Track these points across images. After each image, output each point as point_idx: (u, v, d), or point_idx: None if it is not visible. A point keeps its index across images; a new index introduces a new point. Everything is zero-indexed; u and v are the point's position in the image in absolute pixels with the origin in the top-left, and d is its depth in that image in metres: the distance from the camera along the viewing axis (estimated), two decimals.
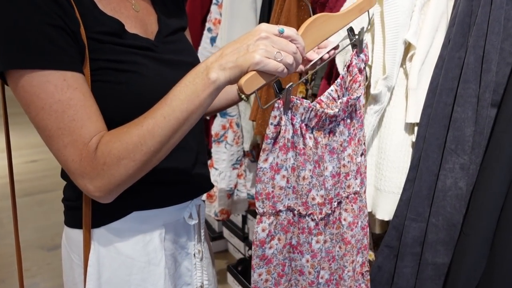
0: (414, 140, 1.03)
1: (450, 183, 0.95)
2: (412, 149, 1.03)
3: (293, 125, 0.72)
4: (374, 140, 1.09)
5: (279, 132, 0.70)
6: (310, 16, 0.75)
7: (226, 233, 2.68)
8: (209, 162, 1.89)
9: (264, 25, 0.64)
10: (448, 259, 0.97)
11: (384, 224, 1.19)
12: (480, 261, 0.90)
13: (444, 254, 0.97)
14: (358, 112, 0.86)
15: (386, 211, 1.07)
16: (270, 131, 0.70)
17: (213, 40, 1.78)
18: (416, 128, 1.02)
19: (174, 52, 0.88)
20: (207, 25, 1.80)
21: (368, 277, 0.96)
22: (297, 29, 0.68)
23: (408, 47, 1.03)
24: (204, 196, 1.87)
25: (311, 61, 0.92)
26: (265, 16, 1.63)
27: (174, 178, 0.89)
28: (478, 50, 0.90)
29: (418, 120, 1.00)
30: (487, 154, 0.90)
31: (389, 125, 1.05)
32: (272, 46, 0.62)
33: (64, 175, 0.87)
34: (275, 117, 0.69)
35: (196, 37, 1.82)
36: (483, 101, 0.90)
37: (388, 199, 1.06)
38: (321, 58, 0.92)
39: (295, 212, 0.78)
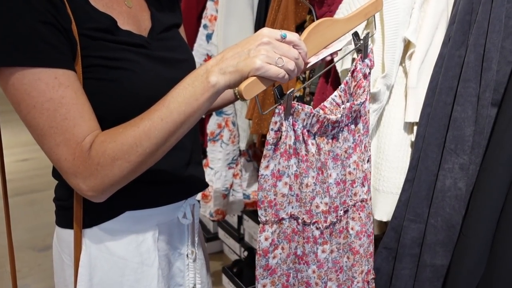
0: (413, 139, 1.02)
1: (449, 183, 0.94)
2: (411, 148, 1.03)
3: (294, 131, 0.71)
4: (372, 140, 1.08)
5: (280, 138, 0.69)
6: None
7: (221, 234, 2.66)
8: (204, 161, 1.88)
9: (266, 29, 0.64)
10: (447, 260, 0.96)
11: (382, 225, 1.18)
12: (480, 263, 0.89)
13: (443, 256, 0.96)
14: (364, 118, 0.85)
15: (384, 212, 1.06)
16: (270, 137, 0.69)
17: (209, 37, 1.76)
18: (415, 128, 1.01)
19: (167, 49, 0.86)
20: (203, 21, 1.78)
21: (373, 284, 0.94)
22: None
23: (407, 45, 1.02)
24: (198, 196, 1.86)
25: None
26: (262, 13, 1.62)
27: (168, 177, 0.88)
28: (479, 48, 0.89)
29: (417, 120, 1.00)
30: (487, 154, 0.89)
31: (388, 124, 1.04)
32: (274, 52, 0.62)
33: (55, 174, 0.85)
34: (276, 123, 0.68)
35: (191, 34, 1.80)
36: (483, 100, 0.89)
37: (387, 199, 1.05)
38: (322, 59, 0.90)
39: (299, 220, 0.76)
